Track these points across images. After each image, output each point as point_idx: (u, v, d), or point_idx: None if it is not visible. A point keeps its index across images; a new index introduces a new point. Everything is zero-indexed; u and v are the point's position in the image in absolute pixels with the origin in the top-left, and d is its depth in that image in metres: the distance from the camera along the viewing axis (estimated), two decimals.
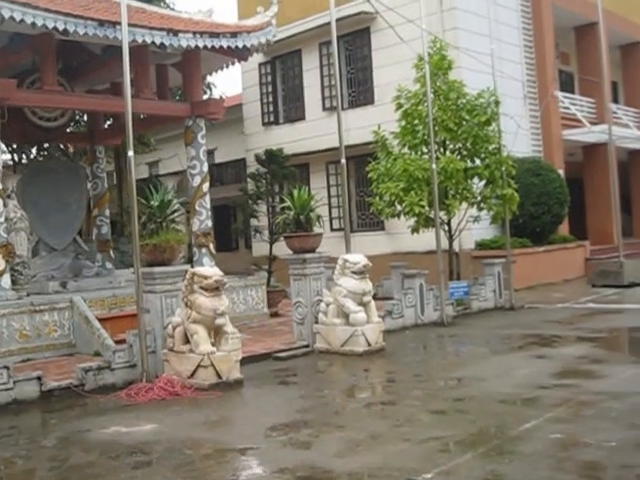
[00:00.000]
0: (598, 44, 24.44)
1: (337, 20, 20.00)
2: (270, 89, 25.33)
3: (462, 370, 9.49)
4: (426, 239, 16.36)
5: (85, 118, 20.92)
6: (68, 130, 21.64)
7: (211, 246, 14.85)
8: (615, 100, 25.63)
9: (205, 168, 15.03)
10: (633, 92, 27.83)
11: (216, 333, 9.51)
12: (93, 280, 15.05)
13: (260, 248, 21.34)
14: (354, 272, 11.27)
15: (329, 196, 22.69)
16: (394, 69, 20.40)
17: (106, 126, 19.39)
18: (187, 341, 9.49)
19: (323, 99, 23.48)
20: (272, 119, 25.21)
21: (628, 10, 26.33)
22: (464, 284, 15.12)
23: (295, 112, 24.64)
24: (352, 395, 8.65)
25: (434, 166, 13.79)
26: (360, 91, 22.65)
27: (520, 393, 7.80)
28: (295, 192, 11.85)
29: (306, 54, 24.01)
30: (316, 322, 11.73)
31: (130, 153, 9.92)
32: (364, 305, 11.28)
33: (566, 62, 26.19)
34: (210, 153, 27.61)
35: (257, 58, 24.96)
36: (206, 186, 14.96)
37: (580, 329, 12.22)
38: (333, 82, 23.17)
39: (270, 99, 25.32)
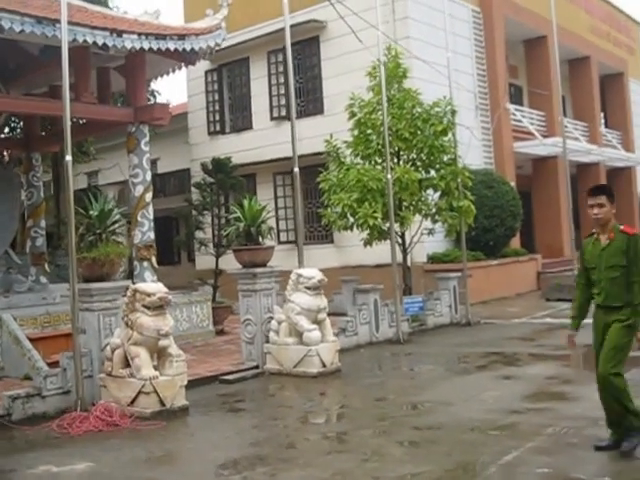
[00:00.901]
0: (549, 57, 24.43)
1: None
2: (216, 97, 24.63)
3: (425, 393, 8.85)
4: (376, 252, 15.80)
5: (21, 124, 19.90)
6: (2, 136, 20.68)
7: (153, 259, 13.98)
8: (564, 114, 25.51)
9: (148, 177, 14.18)
10: (581, 106, 27.89)
11: (159, 356, 8.71)
12: (25, 296, 14.03)
13: (204, 261, 20.53)
14: (308, 287, 10.57)
15: (276, 208, 22.04)
16: (344, 79, 19.92)
17: (43, 132, 18.36)
18: (127, 365, 8.66)
19: (271, 108, 22.87)
20: (218, 128, 24.50)
21: (574, 25, 26.34)
22: (419, 299, 14.55)
23: (242, 121, 23.99)
24: (310, 424, 7.88)
25: (389, 176, 13.20)
26: (309, 100, 22.08)
27: (493, 419, 7.18)
28: (246, 202, 11.12)
29: (254, 62, 23.42)
30: (267, 341, 10.98)
31: (68, 157, 9.06)
32: (319, 323, 10.58)
33: (514, 75, 26.03)
34: (153, 163, 26.72)
35: (203, 65, 24.28)
36: (149, 196, 14.11)
37: (542, 346, 11.72)
38: (282, 91, 22.68)
39: (216, 108, 24.62)
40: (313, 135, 19.58)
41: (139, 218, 13.94)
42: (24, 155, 17.29)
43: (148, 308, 8.54)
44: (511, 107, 23.16)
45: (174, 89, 46.17)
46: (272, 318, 11.02)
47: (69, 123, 9.19)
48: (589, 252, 6.07)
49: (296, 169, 12.07)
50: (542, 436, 6.47)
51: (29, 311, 12.47)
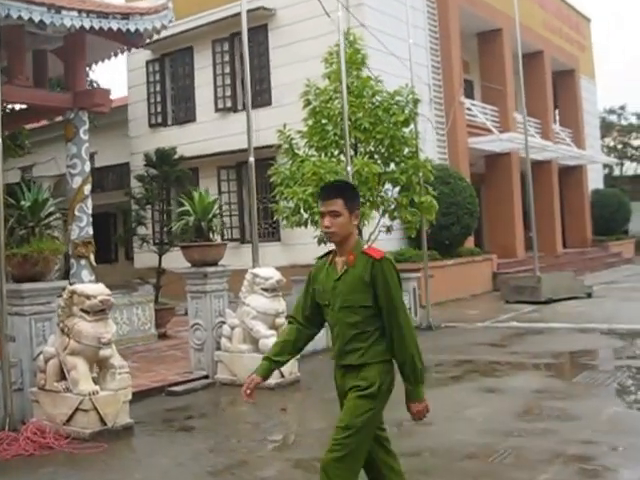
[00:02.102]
0: (503, 51, 23.94)
1: (233, 16, 18.53)
2: (158, 88, 23.46)
3: (399, 409, 7.80)
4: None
5: None
6: None
7: (92, 257, 12.75)
8: (516, 110, 25.04)
9: (87, 168, 12.97)
10: (533, 102, 27.46)
11: (100, 367, 7.67)
12: None
13: (144, 259, 19.39)
14: (265, 289, 9.63)
15: (221, 204, 20.97)
16: (294, 68, 19.01)
17: None
18: (63, 377, 7.61)
19: (216, 100, 21.81)
20: (160, 120, 23.34)
21: (529, 19, 25.85)
22: None
23: (185, 113, 22.87)
24: (275, 448, 6.88)
25: (349, 169, 12.29)
26: (256, 92, 20.98)
27: (489, 444, 6.29)
28: (196, 194, 10.09)
29: (198, 52, 22.32)
30: (218, 349, 9.99)
31: None
32: (276, 328, 9.62)
33: (466, 70, 25.40)
34: (90, 157, 25.37)
35: (145, 55, 23.20)
36: (88, 188, 12.88)
37: (517, 353, 10.94)
38: (227, 81, 21.62)
39: (158, 99, 23.45)
40: (260, 127, 18.55)
41: (77, 212, 12.71)
42: None
43: (87, 312, 7.51)
44: (466, 101, 22.52)
45: (113, 81, 44.52)
46: (224, 323, 10.03)
47: None
48: (321, 282, 4.09)
49: (251, 159, 11.11)
50: (555, 465, 5.63)
51: None
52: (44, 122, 22.78)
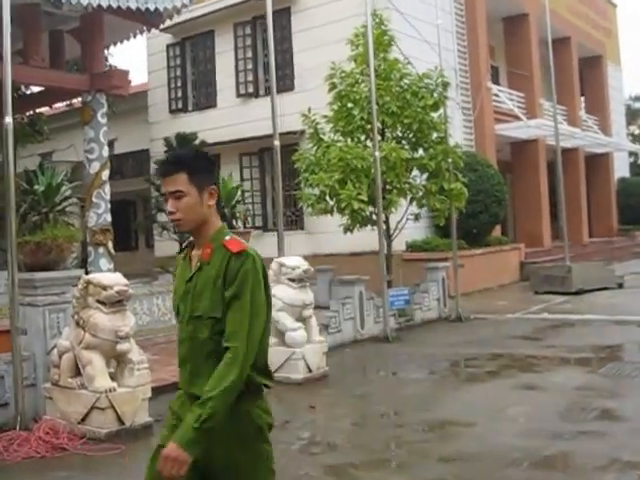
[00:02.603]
0: (530, 36, 23.29)
1: None
2: (179, 73, 23.03)
3: (437, 407, 7.45)
4: (351, 240, 14.48)
5: None
6: None
7: (110, 245, 12.33)
8: (543, 96, 24.37)
9: (105, 152, 12.54)
10: (560, 89, 26.74)
11: (118, 362, 7.21)
12: None
13: (165, 247, 18.95)
14: (292, 279, 9.13)
15: (242, 191, 20.53)
16: (317, 53, 18.48)
17: None
18: (78, 372, 7.16)
19: (237, 85, 21.34)
20: (180, 106, 22.90)
21: (555, 3, 25.09)
22: (405, 291, 13.15)
23: (206, 99, 22.40)
24: (307, 452, 6.34)
25: (377, 154, 11.76)
26: (278, 77, 20.43)
27: (536, 447, 5.77)
28: (219, 180, 9.60)
29: (219, 36, 21.82)
30: None
31: (8, 119, 7.50)
32: (304, 321, 9.15)
33: (491, 56, 24.74)
34: (110, 144, 25.03)
35: (165, 39, 22.79)
36: (106, 174, 12.46)
37: (554, 347, 10.39)
38: (249, 66, 21.11)
39: (178, 84, 23.01)
40: (283, 113, 18.05)
41: (94, 198, 12.28)
42: None
43: (104, 304, 7.05)
44: (494, 87, 21.87)
45: (132, 67, 44.10)
46: None
47: (10, 76, 7.62)
48: (178, 281, 3.13)
49: (277, 142, 10.62)
50: (610, 473, 5.12)
51: None
52: (63, 108, 22.53)
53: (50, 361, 7.44)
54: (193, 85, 22.89)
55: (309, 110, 13.59)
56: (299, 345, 8.93)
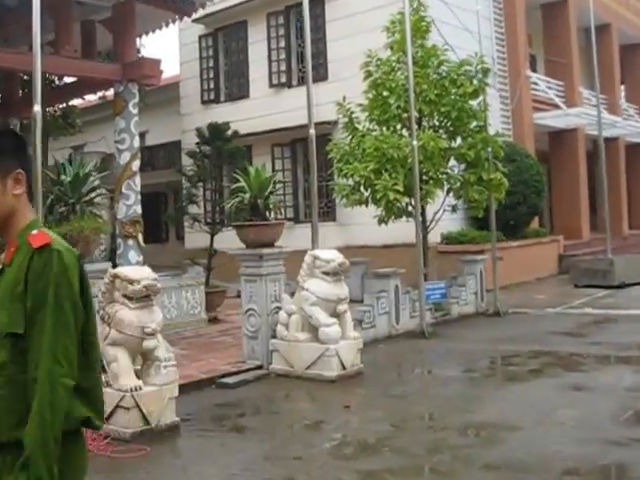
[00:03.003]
0: (569, 23, 22.66)
1: None
2: (211, 64, 22.70)
3: (479, 408, 7.05)
4: (384, 231, 14.09)
5: None
6: None
7: (140, 237, 12.01)
8: (582, 85, 23.68)
9: (136, 143, 12.19)
10: (600, 77, 26.04)
11: (144, 359, 6.93)
12: None
13: (195, 239, 18.68)
14: (326, 272, 8.77)
15: (275, 182, 20.20)
16: (351, 42, 18.04)
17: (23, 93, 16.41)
18: (103, 369, 6.88)
19: (270, 75, 20.95)
20: (212, 97, 22.59)
21: None
22: (441, 285, 12.75)
23: (238, 89, 22.06)
24: (342, 456, 5.95)
25: (415, 142, 11.35)
26: (312, 66, 20.00)
27: (591, 455, 5.35)
28: (252, 170, 9.29)
29: (252, 26, 21.42)
30: (273, 337, 9.19)
31: (36, 108, 7.25)
32: (338, 316, 8.79)
33: (529, 43, 24.12)
34: (141, 136, 24.88)
35: (197, 30, 22.56)
36: (136, 164, 12.09)
37: (600, 344, 9.91)
38: (282, 56, 20.76)
39: (211, 75, 22.70)
40: (316, 103, 17.68)
41: (124, 189, 11.92)
42: (0, 120, 15.43)
43: (130, 299, 6.78)
44: (532, 75, 21.26)
45: (165, 59, 44.02)
46: (280, 309, 9.23)
47: (39, 66, 7.36)
48: None
49: (312, 130, 10.24)
50: None
51: None
52: (96, 101, 22.42)
53: None
54: (225, 76, 22.58)
55: (344, 99, 13.21)
56: (333, 341, 8.59)
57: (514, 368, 8.87)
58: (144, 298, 6.80)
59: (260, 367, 9.20)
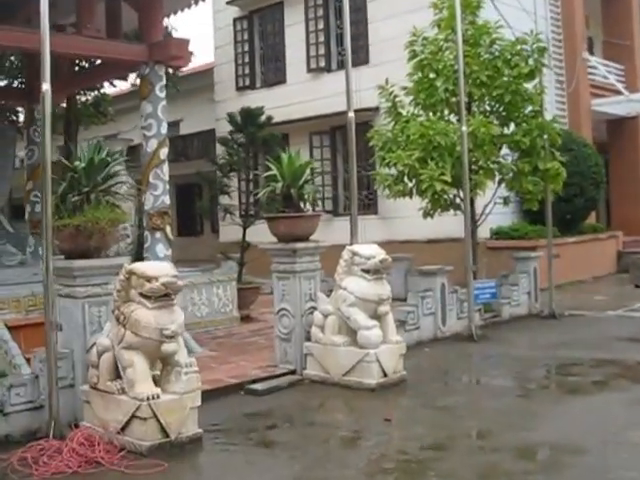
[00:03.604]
0: (631, 3, 21.46)
1: None
2: (246, 48, 21.98)
3: (537, 426, 6.16)
4: (429, 225, 13.38)
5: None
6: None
7: (168, 229, 11.33)
8: None
9: (164, 129, 11.54)
10: None
11: (164, 364, 6.20)
12: (14, 271, 11.55)
13: (229, 232, 17.98)
14: (366, 270, 7.95)
15: (312, 169, 19.43)
16: (394, 23, 17.16)
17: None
18: (118, 375, 6.19)
19: (308, 59, 20.17)
20: (247, 83, 21.89)
21: None
22: (491, 284, 11.86)
23: (274, 74, 21.34)
24: (379, 478, 5.17)
25: (464, 129, 10.46)
26: (352, 49, 19.18)
27: None
28: (285, 157, 8.49)
29: (289, 7, 20.68)
30: (308, 339, 8.39)
31: (45, 86, 6.56)
32: (379, 318, 7.97)
33: (586, 25, 22.96)
34: (175, 125, 24.47)
35: (232, 12, 21.86)
36: (164, 152, 11.46)
37: None
38: (320, 39, 19.95)
39: (246, 60, 21.98)
40: (356, 88, 16.86)
41: (151, 179, 11.31)
42: (25, 107, 14.91)
43: (148, 298, 6.05)
44: (591, 58, 20.12)
45: (198, 44, 43.75)
46: (315, 309, 8.43)
47: (47, 44, 6.65)
48: None
49: (351, 114, 9.44)
50: None
51: (13, 290, 9.98)
52: (128, 89, 21.84)
53: (89, 360, 6.50)
54: (261, 60, 21.86)
55: (386, 81, 12.37)
56: (374, 346, 7.76)
57: (574, 379, 7.98)
58: (163, 297, 6.08)
59: (293, 372, 8.43)
